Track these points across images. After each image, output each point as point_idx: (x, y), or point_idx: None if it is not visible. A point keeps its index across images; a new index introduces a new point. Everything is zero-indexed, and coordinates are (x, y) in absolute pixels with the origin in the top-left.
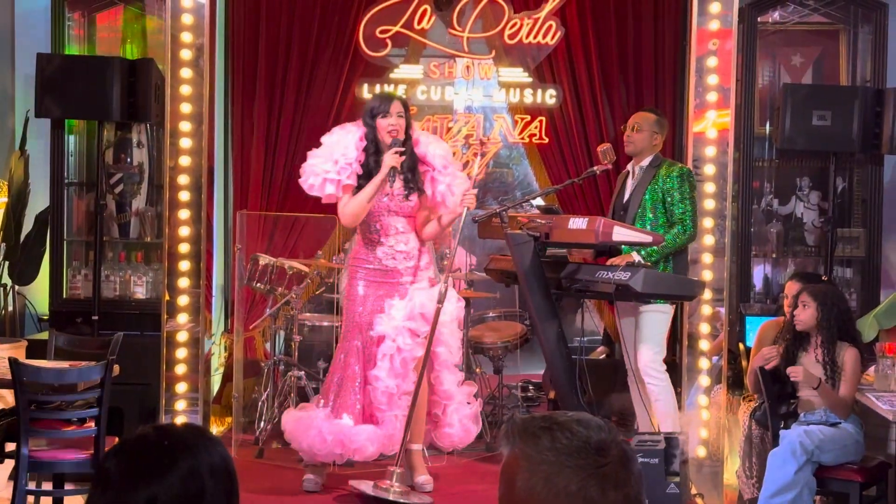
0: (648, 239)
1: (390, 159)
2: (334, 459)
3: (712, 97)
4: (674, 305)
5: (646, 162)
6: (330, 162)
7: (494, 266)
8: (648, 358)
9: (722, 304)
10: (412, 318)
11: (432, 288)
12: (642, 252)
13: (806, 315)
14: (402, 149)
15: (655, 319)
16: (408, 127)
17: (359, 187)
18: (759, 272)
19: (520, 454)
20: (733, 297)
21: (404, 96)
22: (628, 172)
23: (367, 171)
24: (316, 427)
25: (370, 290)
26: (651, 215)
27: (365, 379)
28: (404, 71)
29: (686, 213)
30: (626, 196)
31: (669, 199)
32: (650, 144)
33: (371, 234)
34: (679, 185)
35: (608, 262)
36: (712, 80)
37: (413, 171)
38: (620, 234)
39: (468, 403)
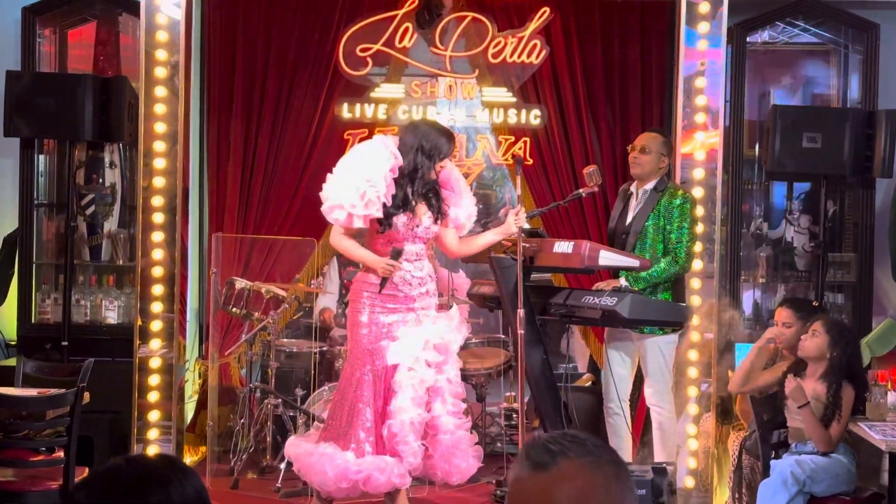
0: (635, 263)
1: (382, 270)
2: (347, 493)
3: (700, 118)
4: (677, 333)
5: (650, 185)
6: (356, 193)
7: (477, 290)
8: (655, 390)
9: (710, 331)
10: (426, 347)
11: (445, 314)
12: (630, 279)
13: (813, 344)
14: (395, 264)
15: (660, 350)
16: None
17: (385, 216)
18: (749, 297)
19: (577, 464)
20: (723, 323)
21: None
22: (631, 194)
23: (396, 203)
24: (323, 462)
25: (381, 317)
26: (651, 242)
27: (381, 411)
28: (385, 90)
29: (680, 244)
30: (629, 219)
31: (669, 226)
32: (657, 167)
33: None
34: (678, 214)
35: (595, 287)
36: (700, 100)
37: (438, 197)
38: (606, 258)
39: (467, 435)
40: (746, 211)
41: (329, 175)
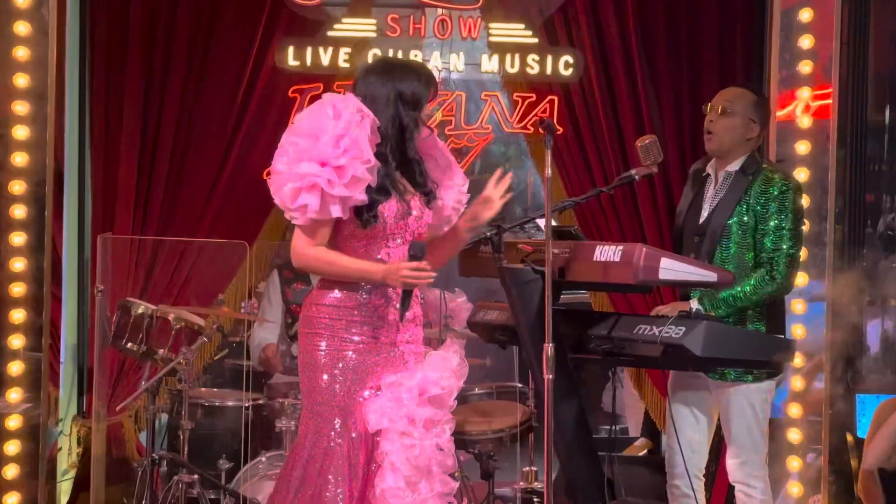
0: (712, 277)
1: (403, 279)
2: None
3: (805, 68)
4: (774, 379)
5: (736, 165)
6: (332, 162)
7: (483, 318)
8: (743, 461)
9: (820, 377)
10: (422, 401)
11: (439, 352)
12: (705, 301)
13: None
14: (423, 265)
15: (749, 404)
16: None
17: (370, 204)
18: (875, 328)
19: None
20: (837, 365)
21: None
22: (707, 176)
23: (380, 185)
24: None
25: (354, 357)
26: (737, 247)
27: (359, 497)
28: (349, 26)
29: (779, 252)
30: (705, 214)
31: (762, 226)
32: (743, 139)
33: None
34: (777, 208)
35: (654, 312)
36: (805, 42)
37: (422, 171)
38: (670, 269)
39: None
40: (872, 202)
41: (281, 147)
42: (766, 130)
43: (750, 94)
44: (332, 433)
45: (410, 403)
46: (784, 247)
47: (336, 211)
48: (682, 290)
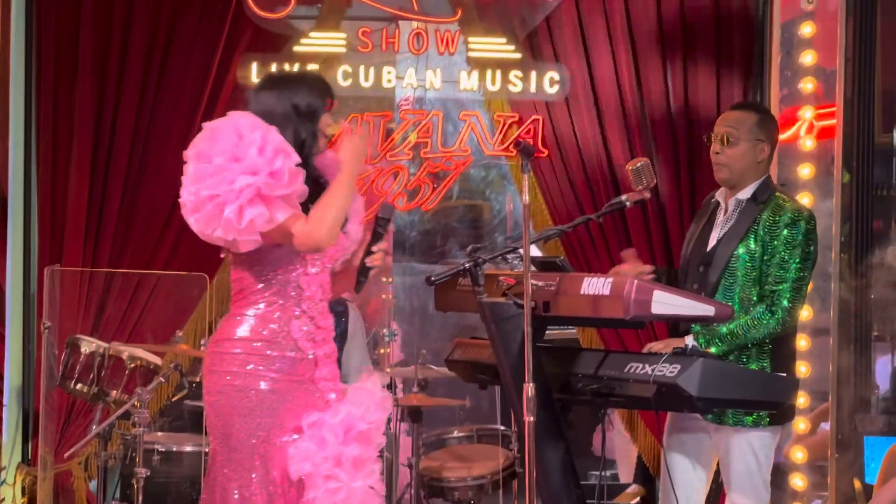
0: (709, 312)
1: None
2: None
3: (808, 86)
4: (780, 425)
5: (747, 192)
6: (262, 174)
7: (462, 356)
8: None
9: (826, 418)
10: (348, 440)
11: (359, 385)
12: (702, 337)
13: None
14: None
15: (751, 450)
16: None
17: None
18: (885, 365)
19: None
20: (845, 405)
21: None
22: (717, 204)
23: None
24: None
25: (271, 396)
26: (743, 279)
27: None
28: (316, 41)
29: (782, 286)
30: (712, 243)
31: (768, 257)
32: (754, 163)
33: (284, 297)
34: (785, 240)
35: (646, 349)
36: (808, 58)
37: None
38: (664, 303)
39: None
40: (880, 230)
41: (195, 175)
42: (775, 145)
43: (752, 114)
44: (251, 484)
45: (335, 443)
46: (787, 281)
47: (280, 215)
48: (679, 327)
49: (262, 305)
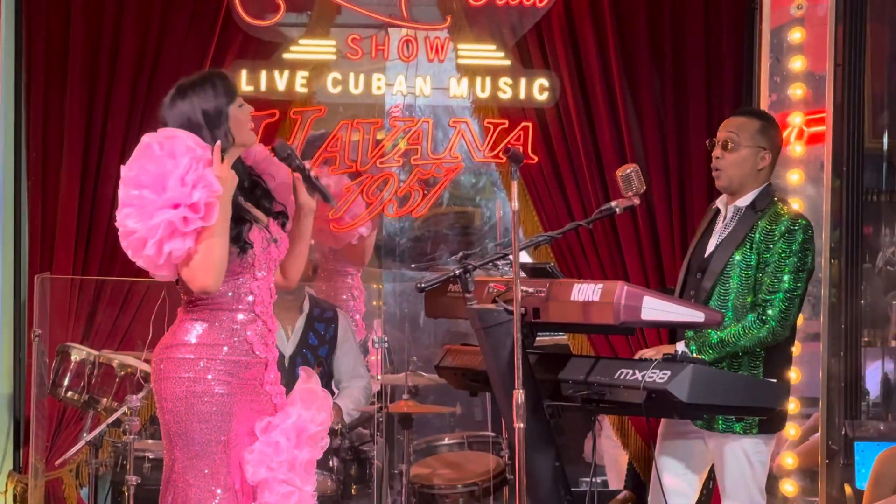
0: (699, 317)
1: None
2: None
3: (797, 91)
4: (774, 434)
5: (747, 200)
6: (183, 206)
7: (452, 362)
8: None
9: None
10: (300, 443)
11: (303, 386)
12: (693, 344)
13: None
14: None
15: (746, 457)
16: None
17: (236, 236)
18: (875, 371)
19: None
20: (835, 411)
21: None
22: (717, 211)
23: (234, 213)
24: None
25: (223, 400)
26: (738, 288)
27: None
28: (306, 48)
29: (776, 294)
30: (709, 250)
31: (763, 264)
32: (754, 170)
33: (237, 301)
34: (781, 248)
35: (637, 355)
36: (797, 64)
37: (264, 191)
38: (654, 309)
39: None
40: (870, 235)
41: (125, 202)
42: (777, 153)
43: (754, 120)
44: (211, 488)
45: (288, 447)
46: (780, 291)
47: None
48: (677, 333)
49: (214, 310)
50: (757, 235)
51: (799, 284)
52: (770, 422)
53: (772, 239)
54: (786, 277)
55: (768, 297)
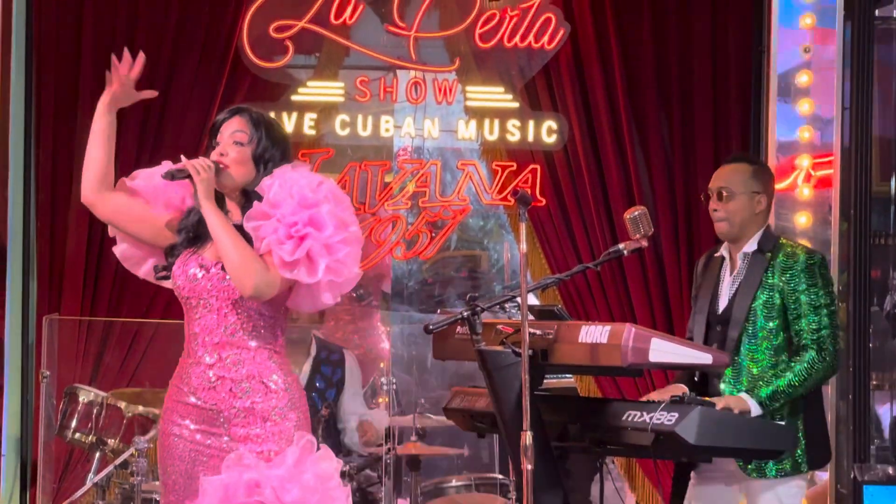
0: (707, 359)
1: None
2: None
3: (805, 134)
4: (809, 473)
5: (752, 244)
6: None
7: (460, 404)
8: None
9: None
10: None
11: (287, 454)
12: (757, 392)
13: None
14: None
15: (779, 500)
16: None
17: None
18: (885, 414)
19: None
20: (844, 454)
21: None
22: (721, 259)
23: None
24: None
25: (183, 444)
26: (766, 331)
27: None
28: (314, 90)
29: (823, 328)
30: (725, 301)
31: (794, 304)
32: (752, 214)
33: (188, 342)
34: (808, 283)
35: (645, 398)
36: (804, 107)
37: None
38: (661, 351)
39: None
40: (878, 279)
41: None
42: (772, 195)
43: (745, 165)
44: None
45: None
46: (826, 323)
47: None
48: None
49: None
50: (775, 277)
51: (835, 309)
52: (810, 459)
53: (793, 276)
54: (824, 311)
55: (819, 335)
